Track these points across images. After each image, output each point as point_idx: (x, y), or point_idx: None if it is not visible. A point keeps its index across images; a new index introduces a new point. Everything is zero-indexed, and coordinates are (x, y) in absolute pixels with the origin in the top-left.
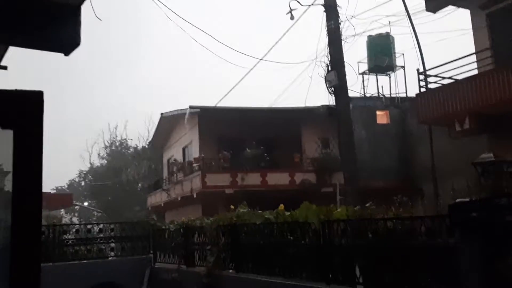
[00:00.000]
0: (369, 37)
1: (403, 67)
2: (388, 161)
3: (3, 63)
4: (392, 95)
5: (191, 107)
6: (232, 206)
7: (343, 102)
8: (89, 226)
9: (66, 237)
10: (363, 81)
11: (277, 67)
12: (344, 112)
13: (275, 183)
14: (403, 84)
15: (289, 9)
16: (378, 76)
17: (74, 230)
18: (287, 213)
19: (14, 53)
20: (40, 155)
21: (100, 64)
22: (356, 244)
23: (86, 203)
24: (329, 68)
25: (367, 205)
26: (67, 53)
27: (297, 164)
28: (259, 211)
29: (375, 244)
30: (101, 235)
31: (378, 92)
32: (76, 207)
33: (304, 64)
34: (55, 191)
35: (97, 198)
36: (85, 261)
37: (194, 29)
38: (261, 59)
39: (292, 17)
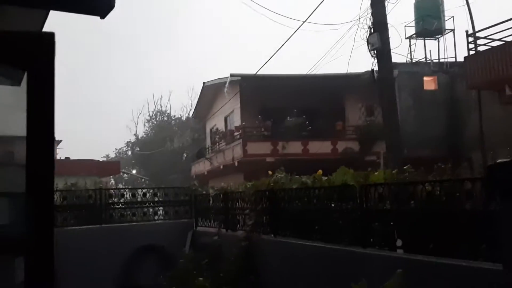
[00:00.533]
0: (417, 0)
1: (453, 30)
2: (435, 129)
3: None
4: (441, 60)
5: (231, 75)
6: (270, 172)
7: (386, 67)
8: (133, 191)
9: (112, 201)
10: (409, 46)
11: (319, 29)
12: (386, 77)
13: (316, 151)
14: (452, 48)
15: None
16: (426, 40)
17: (120, 194)
18: (324, 178)
19: (59, 21)
20: (52, 96)
21: (146, 34)
22: (393, 208)
23: (134, 171)
24: (372, 31)
25: (404, 167)
26: (102, 16)
27: (339, 132)
28: (296, 176)
29: (413, 207)
30: (145, 200)
31: (426, 57)
32: (125, 175)
33: (345, 28)
34: (105, 158)
35: (143, 167)
36: (130, 224)
37: None
38: (304, 21)
39: None
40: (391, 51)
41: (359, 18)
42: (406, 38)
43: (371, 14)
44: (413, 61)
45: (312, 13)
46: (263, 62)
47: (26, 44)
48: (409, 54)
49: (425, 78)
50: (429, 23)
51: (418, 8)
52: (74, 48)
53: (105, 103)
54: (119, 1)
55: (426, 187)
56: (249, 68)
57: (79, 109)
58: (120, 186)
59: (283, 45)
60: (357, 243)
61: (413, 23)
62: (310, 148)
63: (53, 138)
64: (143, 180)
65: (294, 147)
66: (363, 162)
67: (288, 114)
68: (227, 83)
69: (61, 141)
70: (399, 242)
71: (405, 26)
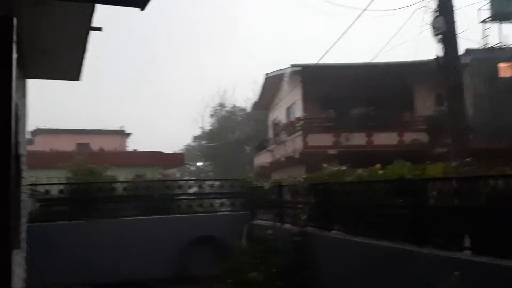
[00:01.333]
0: None
1: None
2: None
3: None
4: None
5: (292, 65)
6: (324, 165)
7: (452, 52)
8: (190, 182)
9: (170, 192)
10: (483, 31)
11: (380, 15)
12: (453, 63)
13: (381, 143)
14: None
15: None
16: (502, 24)
17: (177, 186)
18: (380, 172)
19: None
20: (9, 82)
21: (209, 28)
22: (453, 204)
23: (200, 163)
24: (437, 14)
25: (466, 160)
26: (142, 7)
27: (407, 123)
28: (352, 169)
29: (478, 204)
30: (201, 192)
31: (501, 42)
32: (192, 167)
33: (409, 13)
34: (177, 150)
35: (209, 159)
36: (187, 215)
37: None
38: (365, 9)
39: None
40: (460, 35)
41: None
42: (480, 22)
43: None
44: (487, 46)
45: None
46: (323, 53)
47: None
48: (482, 40)
49: (500, 65)
50: (505, 5)
51: None
52: (145, 42)
53: (175, 97)
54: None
55: (494, 182)
56: (313, 58)
57: (150, 102)
58: (186, 177)
59: (345, 32)
60: (413, 241)
61: (487, 6)
62: (375, 140)
63: (10, 121)
64: (207, 172)
65: (358, 139)
66: (432, 155)
67: (352, 104)
68: (288, 73)
69: (131, 133)
70: (466, 242)
71: (478, 9)
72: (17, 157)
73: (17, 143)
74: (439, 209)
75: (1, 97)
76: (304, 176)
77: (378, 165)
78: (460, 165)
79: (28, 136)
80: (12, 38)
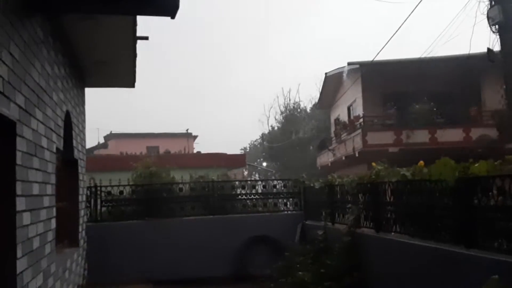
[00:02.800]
0: None
1: None
2: None
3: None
4: None
5: (349, 63)
6: (373, 164)
7: (510, 42)
8: (243, 183)
9: (226, 192)
10: None
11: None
12: (510, 54)
13: (446, 140)
14: None
15: None
16: None
17: (231, 186)
18: (425, 170)
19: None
20: None
21: (274, 28)
22: (499, 204)
23: (265, 164)
24: (493, 3)
25: (507, 157)
26: (172, 16)
27: (474, 118)
28: (397, 168)
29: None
30: (257, 192)
31: None
32: (258, 167)
33: (463, 3)
34: (242, 151)
35: (273, 159)
36: (242, 215)
37: None
38: (420, 1)
39: None
40: None
41: None
42: None
43: None
44: None
45: None
46: (379, 49)
47: None
48: None
49: None
50: None
51: None
52: (209, 44)
53: (241, 98)
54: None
55: None
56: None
57: (216, 104)
58: (252, 178)
59: (402, 24)
60: (460, 242)
61: None
62: (439, 137)
63: None
64: (272, 172)
65: (420, 136)
66: (503, 151)
67: (414, 100)
68: (345, 71)
69: (197, 136)
70: None
71: None
72: (74, 161)
73: (73, 148)
74: (482, 209)
75: None
76: (353, 175)
77: (421, 162)
78: (507, 163)
79: (101, 140)
80: None
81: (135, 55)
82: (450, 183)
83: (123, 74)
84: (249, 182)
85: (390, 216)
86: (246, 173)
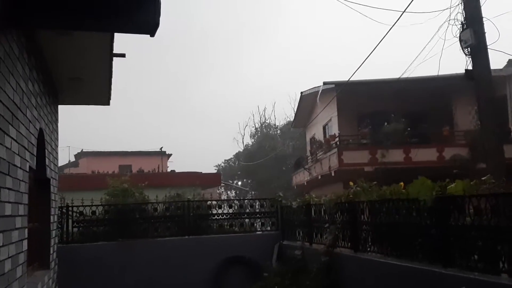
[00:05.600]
0: None
1: None
2: None
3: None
4: None
5: (324, 83)
6: (351, 183)
7: (482, 64)
8: (219, 202)
9: (200, 212)
10: None
11: (404, 26)
12: (482, 76)
13: (420, 159)
14: None
15: None
16: None
17: (206, 206)
18: (403, 190)
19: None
20: None
21: (247, 46)
22: (475, 224)
23: (240, 182)
24: (464, 26)
25: (483, 178)
26: (152, 34)
27: (446, 138)
28: (375, 187)
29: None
30: (233, 211)
31: None
32: (233, 186)
33: (437, 24)
34: (216, 170)
35: (248, 178)
36: (217, 235)
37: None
38: (402, 13)
39: None
40: (494, 47)
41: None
42: None
43: (463, 9)
44: None
45: (404, 10)
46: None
47: None
48: None
49: None
50: None
51: None
52: (185, 63)
53: (215, 117)
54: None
55: None
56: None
57: (191, 124)
58: (227, 196)
59: (375, 48)
60: (437, 261)
61: None
62: (413, 156)
63: None
64: (247, 190)
65: (395, 155)
66: (474, 170)
67: (388, 119)
68: (320, 91)
69: (171, 154)
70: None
71: None
72: (47, 180)
73: (45, 167)
74: (457, 229)
75: None
76: (330, 194)
77: (401, 183)
78: (481, 183)
79: (72, 159)
80: None
81: (111, 72)
82: (428, 203)
83: (98, 92)
84: (225, 201)
85: (367, 235)
86: (221, 191)
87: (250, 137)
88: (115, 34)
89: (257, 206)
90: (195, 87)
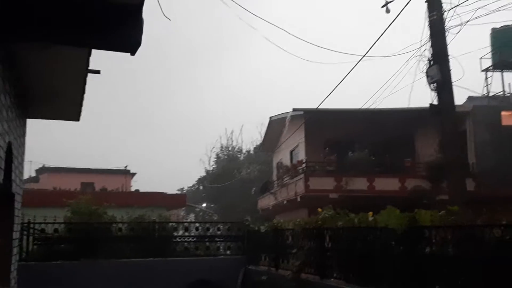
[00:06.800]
0: (494, 29)
1: None
2: None
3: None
4: None
5: (294, 109)
6: (319, 209)
7: (447, 99)
8: (187, 225)
9: (167, 234)
10: (486, 79)
11: (374, 61)
12: (447, 110)
13: (383, 189)
14: None
15: (384, 2)
16: (505, 73)
17: (173, 228)
18: (371, 218)
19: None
20: None
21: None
22: (442, 253)
23: (204, 205)
24: (431, 63)
25: (452, 208)
26: (132, 52)
27: (409, 169)
28: (344, 214)
29: (463, 254)
30: (200, 234)
31: (504, 91)
32: (197, 208)
33: (404, 59)
34: (179, 191)
35: (213, 201)
36: (183, 258)
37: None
38: (364, 54)
39: (388, 11)
40: (458, 83)
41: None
42: (482, 71)
43: (431, 46)
44: (490, 94)
45: (373, 44)
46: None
47: None
48: (485, 88)
49: (503, 113)
50: (508, 54)
51: (495, 39)
52: (152, 84)
53: (182, 138)
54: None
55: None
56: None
57: (156, 144)
58: (190, 219)
59: (343, 79)
60: None
61: (489, 55)
62: (376, 185)
63: None
64: (211, 213)
65: (359, 184)
66: (435, 202)
67: (354, 148)
68: (288, 117)
69: (135, 173)
70: None
71: (480, 58)
72: (11, 195)
73: (11, 182)
74: (421, 257)
75: None
76: (298, 220)
77: (370, 213)
78: (448, 214)
79: (33, 174)
80: None
81: (84, 89)
82: (397, 231)
83: (69, 107)
84: (193, 223)
85: (334, 262)
86: (183, 214)
87: (216, 159)
88: (93, 50)
89: (223, 230)
90: (161, 107)
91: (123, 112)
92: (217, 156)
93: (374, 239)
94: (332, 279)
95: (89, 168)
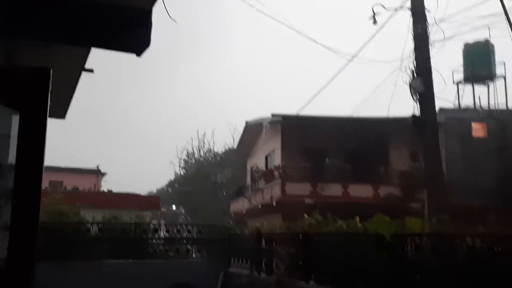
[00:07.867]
0: (466, 45)
1: (504, 77)
2: (485, 177)
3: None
4: (491, 107)
5: (273, 115)
6: (306, 215)
7: (429, 111)
8: (168, 227)
9: (146, 236)
10: (458, 91)
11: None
12: (429, 122)
13: (357, 195)
14: (503, 94)
15: (372, 14)
16: (476, 86)
17: (153, 230)
18: (359, 225)
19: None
20: (43, 134)
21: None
22: (431, 260)
23: (174, 207)
24: (415, 75)
25: (443, 217)
26: (139, 54)
27: (382, 177)
28: (331, 221)
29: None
30: (179, 237)
31: (475, 103)
32: (163, 209)
33: (387, 70)
34: (149, 193)
35: (184, 204)
36: (163, 260)
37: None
38: (352, 59)
39: (375, 22)
40: (436, 96)
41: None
42: (454, 84)
43: (414, 58)
44: (461, 107)
45: (358, 51)
46: (306, 101)
47: (20, 81)
48: (457, 100)
49: (473, 125)
50: (479, 68)
51: (467, 53)
52: (126, 84)
53: (152, 138)
54: (165, 38)
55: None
56: (296, 106)
57: (127, 143)
58: (161, 221)
59: (324, 87)
60: None
61: (461, 68)
62: (351, 192)
63: (41, 172)
64: (183, 216)
65: (334, 190)
66: (405, 209)
67: (330, 155)
68: (268, 122)
69: (106, 173)
70: None
71: (452, 71)
72: None
73: None
74: (409, 263)
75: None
76: (284, 225)
77: (356, 218)
78: (439, 222)
79: None
80: (48, 89)
81: (75, 87)
82: (386, 238)
83: (58, 104)
84: (171, 226)
85: (321, 267)
86: (155, 215)
87: (188, 161)
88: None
89: (204, 233)
90: (132, 107)
91: (94, 112)
92: (189, 159)
93: (364, 245)
94: (318, 285)
95: (58, 167)
